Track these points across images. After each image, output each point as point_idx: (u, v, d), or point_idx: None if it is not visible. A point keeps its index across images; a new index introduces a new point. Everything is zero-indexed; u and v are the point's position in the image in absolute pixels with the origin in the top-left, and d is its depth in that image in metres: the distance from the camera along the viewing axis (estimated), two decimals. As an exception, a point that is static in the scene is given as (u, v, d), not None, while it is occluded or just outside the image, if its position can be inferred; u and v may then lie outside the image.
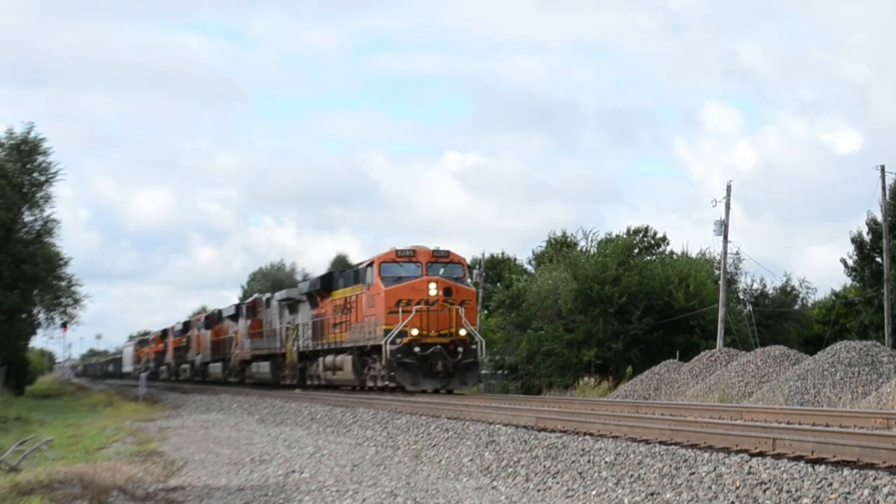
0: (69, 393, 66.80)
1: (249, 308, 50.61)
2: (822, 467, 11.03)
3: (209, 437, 24.64)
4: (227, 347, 56.91)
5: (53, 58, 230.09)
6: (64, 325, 53.20)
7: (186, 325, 73.61)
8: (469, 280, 33.20)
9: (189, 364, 69.91)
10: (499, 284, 60.56)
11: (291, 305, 43.18)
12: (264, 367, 47.24)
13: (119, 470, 16.62)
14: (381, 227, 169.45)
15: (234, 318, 54.43)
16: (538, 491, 13.08)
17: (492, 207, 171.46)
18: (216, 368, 59.36)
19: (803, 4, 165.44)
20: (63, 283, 49.90)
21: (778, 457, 11.97)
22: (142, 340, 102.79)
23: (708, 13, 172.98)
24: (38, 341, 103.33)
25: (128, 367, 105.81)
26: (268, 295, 49.61)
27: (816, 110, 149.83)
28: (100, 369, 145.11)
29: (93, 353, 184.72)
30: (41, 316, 51.19)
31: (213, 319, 62.09)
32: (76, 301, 50.45)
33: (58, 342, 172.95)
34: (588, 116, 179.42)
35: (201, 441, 23.41)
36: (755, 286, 59.18)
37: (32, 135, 46.84)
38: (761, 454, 12.28)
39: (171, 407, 41.70)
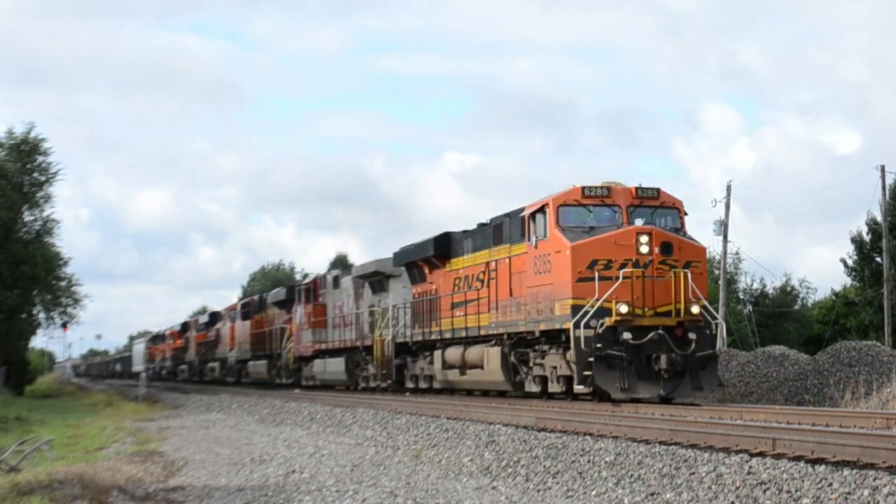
0: (69, 393, 66.77)
1: (307, 290, 41.71)
2: (822, 467, 11.03)
3: (209, 437, 24.64)
4: (273, 341, 47.94)
5: (54, 59, 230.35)
6: (64, 325, 53.21)
7: (214, 317, 65.26)
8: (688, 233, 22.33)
9: (219, 362, 61.23)
10: None
11: (377, 283, 34.44)
12: (335, 366, 38.10)
13: (119, 470, 16.62)
14: (381, 227, 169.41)
15: (285, 304, 45.71)
16: (538, 491, 13.08)
17: (492, 208, 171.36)
18: (259, 367, 50.25)
19: (802, 5, 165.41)
20: (63, 283, 49.89)
21: (778, 457, 11.97)
22: (156, 336, 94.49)
23: (707, 14, 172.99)
24: (38, 341, 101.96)
25: (138, 367, 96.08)
26: (335, 272, 40.91)
27: (816, 111, 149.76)
28: (105, 369, 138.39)
29: (93, 352, 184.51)
30: (41, 316, 51.19)
31: (252, 307, 53.31)
32: (76, 301, 50.46)
33: (58, 342, 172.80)
34: (588, 117, 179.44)
35: (201, 441, 23.42)
36: (755, 286, 59.25)
37: (32, 135, 46.90)
38: (761, 454, 12.28)
39: (171, 407, 41.70)
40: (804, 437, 12.48)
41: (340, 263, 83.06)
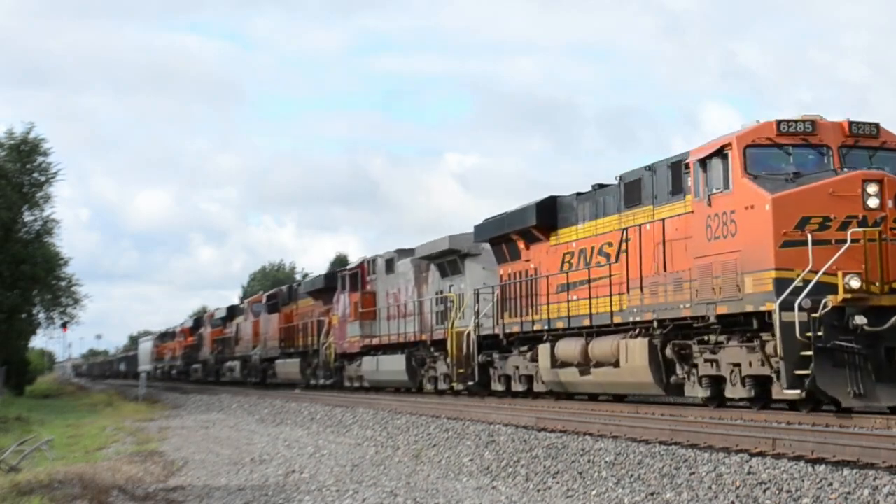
0: (69, 393, 66.75)
1: (353, 277, 35.95)
2: (822, 467, 11.04)
3: (209, 437, 24.63)
4: (307, 336, 42.00)
5: (55, 59, 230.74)
6: (64, 325, 53.21)
7: (233, 311, 59.60)
8: None
9: (240, 361, 54.99)
10: None
11: (449, 264, 29.11)
12: (392, 364, 32.20)
13: (119, 470, 16.62)
14: (381, 227, 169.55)
15: (322, 293, 40.11)
16: (538, 491, 13.07)
17: (492, 208, 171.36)
18: (289, 366, 44.11)
19: (802, 5, 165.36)
20: (63, 283, 49.89)
21: (778, 457, 11.97)
22: (164, 334, 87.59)
23: (707, 14, 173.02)
24: (38, 341, 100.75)
25: (145, 366, 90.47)
26: (388, 254, 34.26)
27: (816, 111, 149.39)
28: (108, 369, 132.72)
29: (93, 352, 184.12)
30: (41, 316, 51.20)
31: (281, 298, 47.56)
32: (76, 301, 50.46)
33: (58, 342, 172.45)
34: (588, 117, 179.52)
35: (201, 441, 23.41)
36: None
37: (32, 135, 46.91)
38: (761, 454, 12.28)
39: (170, 407, 41.68)
40: (804, 437, 12.49)
41: (340, 264, 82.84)
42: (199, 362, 68.24)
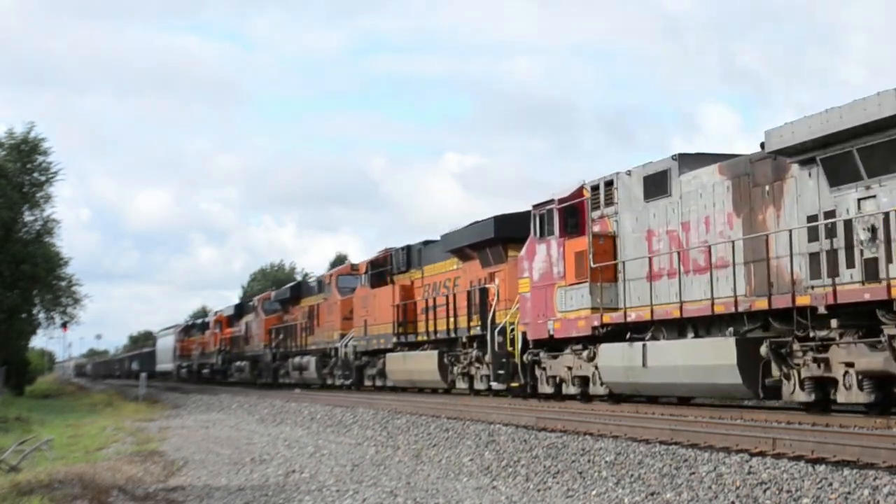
0: (69, 393, 66.76)
1: (563, 214, 22.61)
2: (822, 467, 11.04)
3: (209, 437, 24.64)
4: (449, 316, 29.24)
5: (56, 59, 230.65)
6: (64, 325, 53.25)
7: (298, 290, 46.19)
8: None
9: (315, 356, 41.19)
10: None
11: (841, 162, 15.08)
12: (704, 356, 17.78)
13: (119, 470, 16.62)
14: (381, 227, 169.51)
15: (480, 249, 27.63)
16: (538, 491, 13.07)
17: (492, 208, 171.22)
18: (419, 363, 30.84)
19: (802, 7, 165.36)
20: (63, 283, 49.92)
21: (778, 457, 11.97)
22: (190, 326, 75.77)
23: (707, 16, 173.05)
24: (38, 341, 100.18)
25: (165, 365, 79.96)
26: (656, 164, 19.90)
27: (815, 111, 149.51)
28: (118, 368, 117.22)
29: (93, 352, 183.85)
30: (41, 316, 51.23)
31: (396, 265, 33.97)
32: (76, 301, 50.51)
33: (58, 342, 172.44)
34: (588, 117, 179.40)
35: (201, 441, 23.41)
36: None
37: (32, 135, 46.96)
38: (761, 454, 12.29)
39: (171, 407, 41.69)
40: (804, 436, 12.49)
41: (340, 263, 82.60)
42: (244, 358, 54.34)
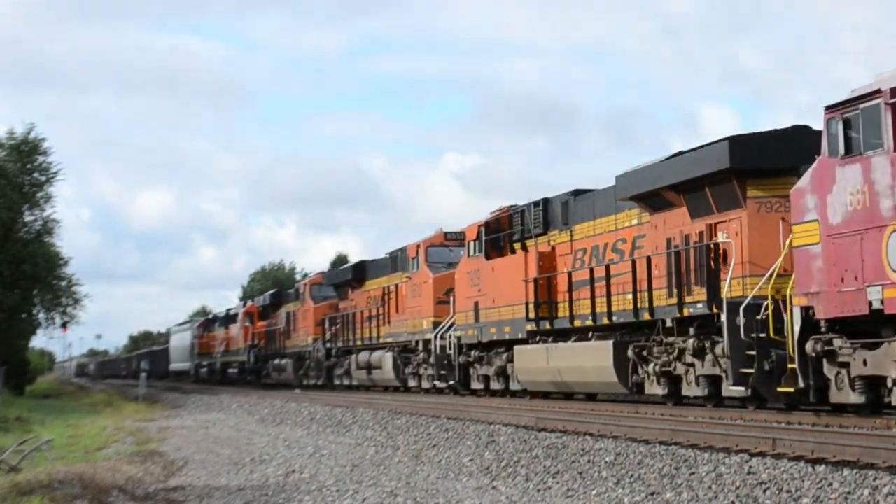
0: (69, 393, 66.73)
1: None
2: (822, 467, 11.03)
3: (209, 437, 24.63)
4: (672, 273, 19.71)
5: (58, 60, 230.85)
6: (64, 325, 53.17)
7: (362, 269, 37.55)
8: None
9: (392, 351, 33.63)
10: None
11: None
12: None
13: (119, 470, 16.61)
14: (381, 227, 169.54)
15: (697, 187, 18.87)
16: (538, 491, 13.06)
17: (492, 208, 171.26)
18: (593, 357, 21.92)
19: (801, 7, 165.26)
20: (63, 283, 49.88)
21: (778, 457, 11.97)
22: (211, 319, 67.97)
23: (706, 18, 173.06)
24: (38, 341, 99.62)
25: (180, 364, 72.48)
26: None
27: (815, 111, 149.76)
28: (123, 368, 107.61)
29: (93, 352, 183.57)
30: (41, 316, 51.18)
31: (550, 216, 24.44)
32: (76, 301, 50.42)
33: (58, 342, 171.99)
34: (588, 118, 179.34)
35: (201, 441, 23.40)
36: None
37: (32, 135, 46.93)
38: (761, 454, 12.28)
39: (171, 407, 41.68)
40: (804, 437, 12.48)
41: (340, 263, 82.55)
42: (284, 356, 46.90)
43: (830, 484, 10.34)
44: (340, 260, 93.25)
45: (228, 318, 60.69)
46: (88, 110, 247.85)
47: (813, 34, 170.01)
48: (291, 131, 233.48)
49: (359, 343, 36.86)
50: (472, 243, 27.59)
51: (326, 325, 40.38)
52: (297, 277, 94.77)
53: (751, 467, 11.62)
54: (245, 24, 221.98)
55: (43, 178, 47.22)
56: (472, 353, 27.75)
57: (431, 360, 30.01)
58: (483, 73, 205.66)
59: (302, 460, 17.74)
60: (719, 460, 12.26)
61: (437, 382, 29.60)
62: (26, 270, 45.60)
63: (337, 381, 40.12)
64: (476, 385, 28.01)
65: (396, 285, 33.91)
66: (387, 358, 33.99)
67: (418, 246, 32.10)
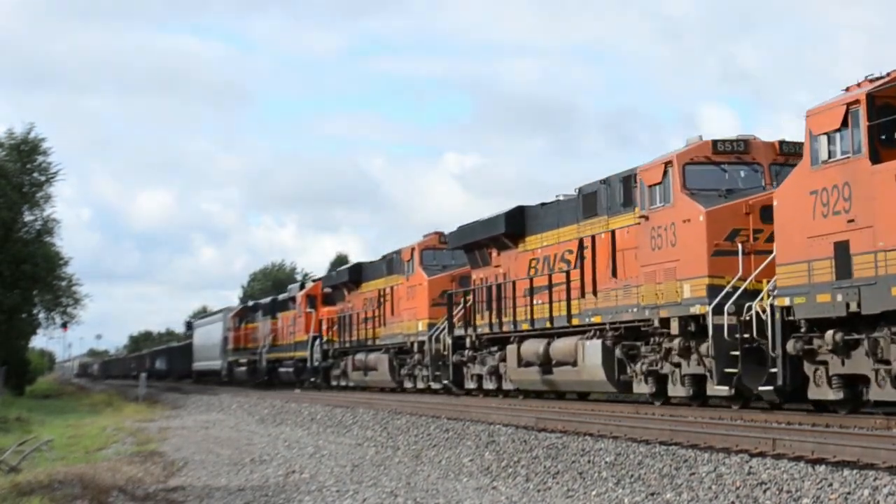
0: (69, 393, 66.71)
1: None
2: (822, 467, 11.03)
3: (209, 437, 24.62)
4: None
5: (58, 60, 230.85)
6: (64, 325, 53.24)
7: (516, 222, 24.93)
8: None
9: (603, 341, 21.08)
10: None
11: None
12: None
13: (119, 470, 16.61)
14: (381, 227, 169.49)
15: None
16: (538, 491, 13.06)
17: (492, 208, 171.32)
18: None
19: (801, 8, 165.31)
20: (63, 283, 49.89)
21: (778, 457, 11.96)
22: (250, 307, 55.90)
23: (706, 18, 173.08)
24: (38, 341, 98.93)
25: (208, 363, 60.92)
26: None
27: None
28: (134, 367, 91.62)
29: (93, 352, 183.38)
30: (41, 316, 51.21)
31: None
32: (76, 301, 50.46)
33: (58, 342, 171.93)
34: (587, 119, 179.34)
35: (201, 441, 23.39)
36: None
37: (32, 135, 46.95)
38: (761, 454, 12.28)
39: (171, 407, 41.66)
40: (804, 437, 12.48)
41: (340, 263, 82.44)
42: (372, 350, 35.73)
43: (830, 484, 10.34)
44: (340, 260, 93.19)
45: (276, 305, 49.68)
46: (88, 110, 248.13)
47: (813, 34, 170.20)
48: (291, 131, 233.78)
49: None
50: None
51: (450, 302, 29.22)
52: (298, 277, 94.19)
53: (751, 467, 11.61)
54: (245, 24, 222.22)
55: (43, 178, 47.28)
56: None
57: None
58: (482, 74, 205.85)
59: (302, 460, 17.74)
60: (719, 460, 12.25)
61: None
62: (26, 270, 45.61)
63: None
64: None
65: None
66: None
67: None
